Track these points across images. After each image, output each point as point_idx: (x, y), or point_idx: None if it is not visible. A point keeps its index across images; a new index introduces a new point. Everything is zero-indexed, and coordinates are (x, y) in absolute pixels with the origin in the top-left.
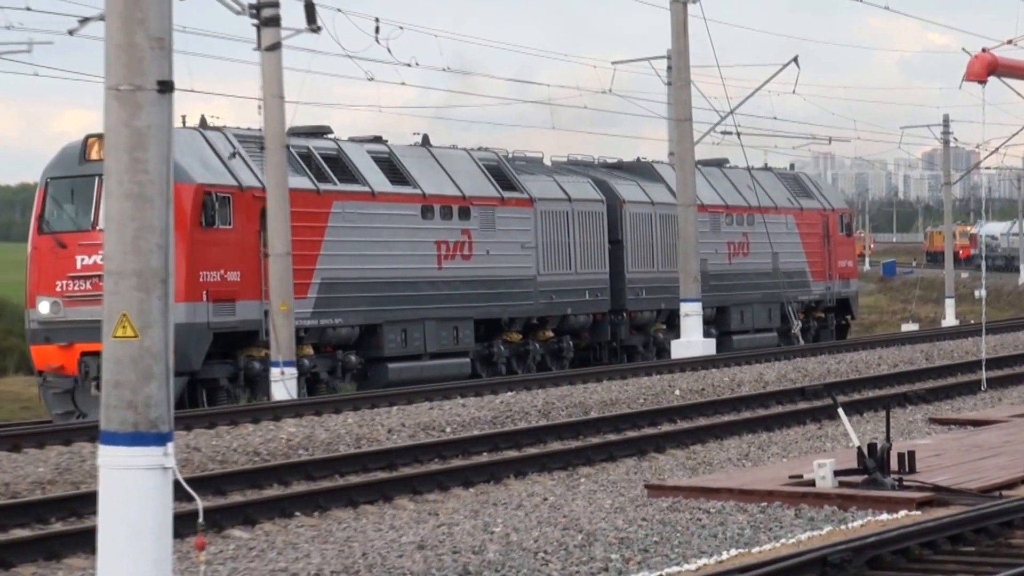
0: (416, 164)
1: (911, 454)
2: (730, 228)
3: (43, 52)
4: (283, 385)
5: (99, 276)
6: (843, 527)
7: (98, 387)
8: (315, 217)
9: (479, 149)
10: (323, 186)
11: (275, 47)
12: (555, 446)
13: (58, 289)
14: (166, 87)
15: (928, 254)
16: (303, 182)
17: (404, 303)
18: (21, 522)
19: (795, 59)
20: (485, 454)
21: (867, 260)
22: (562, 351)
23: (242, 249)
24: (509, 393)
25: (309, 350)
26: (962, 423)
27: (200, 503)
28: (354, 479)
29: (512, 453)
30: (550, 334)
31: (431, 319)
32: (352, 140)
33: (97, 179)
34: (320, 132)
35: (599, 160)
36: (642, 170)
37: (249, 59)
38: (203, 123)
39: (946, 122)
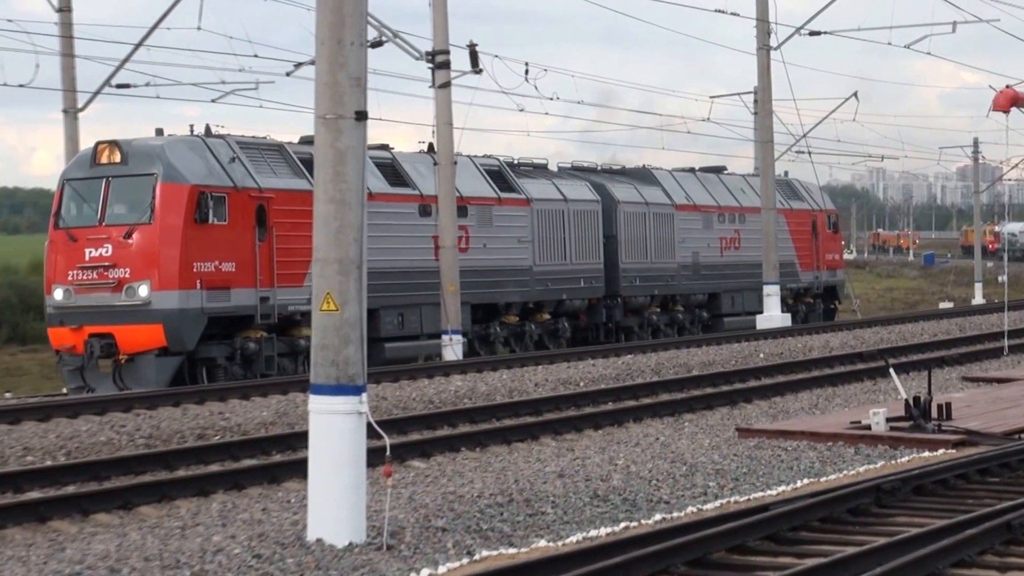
0: (417, 169)
1: (948, 405)
2: (722, 225)
3: (267, 89)
4: (451, 348)
5: (104, 267)
6: (893, 462)
7: (116, 363)
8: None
9: (484, 156)
10: None
11: (446, 85)
12: (665, 397)
13: (70, 278)
14: (361, 116)
15: (962, 247)
16: (302, 184)
17: (401, 290)
18: (250, 454)
19: (855, 94)
20: (610, 403)
21: (911, 252)
22: (558, 331)
23: (237, 242)
24: (629, 356)
25: (307, 331)
26: (989, 380)
27: (387, 440)
28: (508, 422)
29: (631, 402)
30: (547, 316)
31: (428, 304)
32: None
33: (104, 180)
34: None
35: (602, 166)
36: (641, 175)
37: (425, 95)
38: (207, 131)
39: (976, 144)
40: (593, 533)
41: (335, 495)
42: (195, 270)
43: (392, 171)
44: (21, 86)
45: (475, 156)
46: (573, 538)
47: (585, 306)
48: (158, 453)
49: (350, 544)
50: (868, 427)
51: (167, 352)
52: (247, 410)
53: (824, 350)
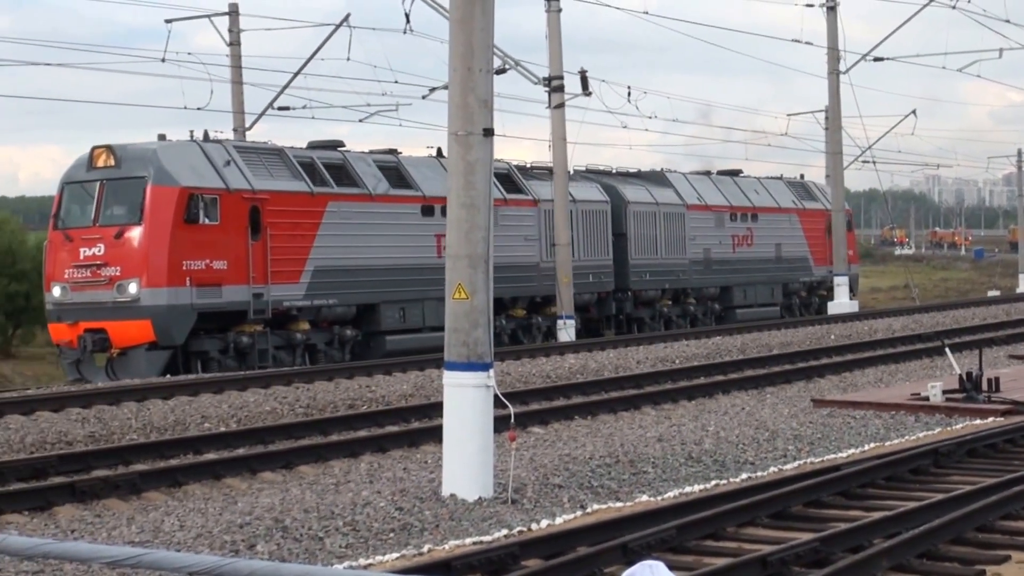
0: (422, 171)
1: (996, 379)
2: (734, 224)
3: (406, 110)
4: (565, 331)
5: (97, 265)
6: (949, 428)
7: (108, 356)
8: (309, 215)
9: (494, 160)
10: (318, 189)
11: (560, 106)
12: (749, 372)
13: (66, 276)
14: (488, 132)
15: (1009, 243)
16: (300, 186)
17: (402, 285)
18: (393, 421)
19: (913, 111)
20: (702, 378)
21: (963, 248)
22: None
23: (229, 241)
24: (718, 337)
25: (305, 325)
26: None
27: (511, 409)
28: (614, 394)
29: (720, 377)
30: (555, 310)
31: (430, 299)
32: (373, 152)
33: (99, 183)
34: (332, 146)
35: (617, 170)
36: (654, 177)
37: (542, 114)
38: (205, 136)
39: (1020, 154)
40: (688, 489)
41: (466, 456)
42: (184, 268)
43: (396, 174)
44: (199, 109)
45: None
46: (671, 494)
47: (595, 299)
48: (315, 420)
49: (479, 498)
50: (927, 398)
51: (157, 346)
52: (390, 384)
53: (887, 332)
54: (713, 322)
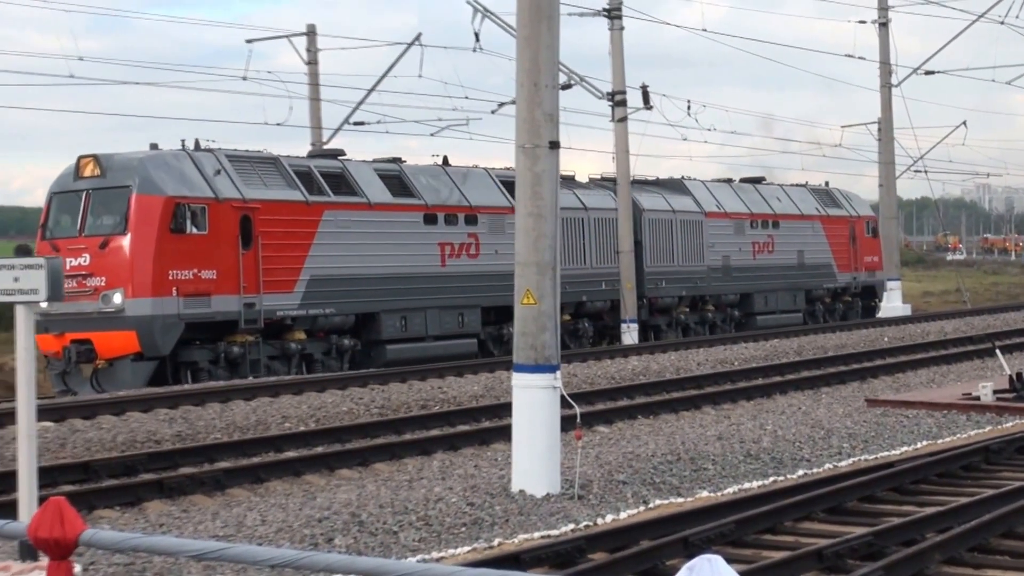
0: (426, 180)
1: None
2: (754, 231)
3: (475, 125)
4: (629, 335)
5: (83, 276)
6: (999, 427)
7: (94, 367)
8: (304, 224)
9: (503, 168)
10: (313, 198)
11: (623, 119)
12: (805, 373)
13: None
14: (554, 145)
15: None
16: (294, 195)
17: (403, 294)
18: (464, 421)
19: (964, 122)
20: (760, 379)
21: (1013, 254)
22: (579, 331)
23: (218, 251)
24: (775, 340)
25: (300, 335)
26: None
27: (577, 409)
28: (675, 394)
29: (777, 378)
30: (567, 317)
31: (433, 307)
32: (376, 160)
33: (84, 194)
34: (333, 154)
35: (635, 178)
36: (672, 185)
37: (606, 127)
38: (196, 145)
39: None
40: (747, 485)
41: (535, 454)
42: (170, 278)
43: (399, 182)
44: (278, 124)
45: (492, 168)
46: (730, 490)
47: (608, 307)
48: (389, 420)
49: (547, 494)
50: (978, 398)
51: (142, 357)
52: (461, 385)
53: (939, 334)
54: (733, 329)
